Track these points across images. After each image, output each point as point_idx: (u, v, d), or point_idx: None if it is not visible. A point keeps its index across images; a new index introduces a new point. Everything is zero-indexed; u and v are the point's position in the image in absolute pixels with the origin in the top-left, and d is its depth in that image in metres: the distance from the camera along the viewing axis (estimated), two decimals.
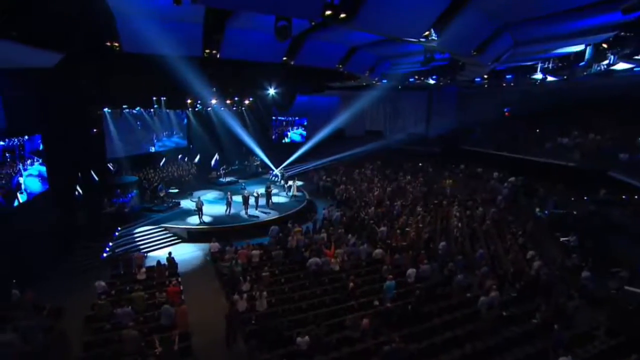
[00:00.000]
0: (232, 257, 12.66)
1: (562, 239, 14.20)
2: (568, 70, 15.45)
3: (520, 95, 25.02)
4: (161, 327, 9.20)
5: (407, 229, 16.20)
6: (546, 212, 16.83)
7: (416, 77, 24.84)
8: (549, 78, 17.25)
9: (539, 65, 17.19)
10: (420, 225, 16.56)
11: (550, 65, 16.34)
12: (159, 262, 12.30)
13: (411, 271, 11.68)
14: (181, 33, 9.86)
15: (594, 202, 16.21)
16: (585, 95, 20.27)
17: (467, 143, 27.94)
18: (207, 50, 11.14)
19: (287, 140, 30.06)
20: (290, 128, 30.62)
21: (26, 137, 11.87)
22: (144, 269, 12.09)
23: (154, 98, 17.81)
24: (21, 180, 12.03)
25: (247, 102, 24.23)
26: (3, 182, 11.18)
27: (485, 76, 22.04)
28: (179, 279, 12.00)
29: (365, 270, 12.79)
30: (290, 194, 21.23)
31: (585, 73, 14.67)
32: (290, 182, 21.81)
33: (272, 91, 21.62)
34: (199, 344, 9.09)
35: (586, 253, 12.74)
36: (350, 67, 15.13)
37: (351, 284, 10.74)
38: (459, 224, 16.19)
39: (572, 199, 17.94)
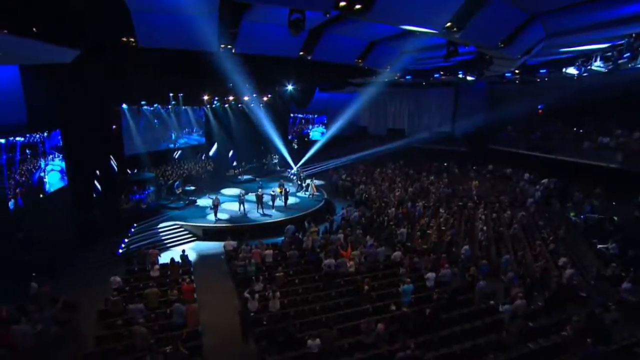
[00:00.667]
0: (246, 256, 12.80)
1: (599, 246, 13.51)
2: (610, 63, 14.64)
3: (556, 91, 23.99)
4: (172, 325, 9.40)
5: (428, 231, 16.02)
6: (582, 216, 16.06)
7: (441, 72, 24.36)
8: (589, 71, 16.38)
9: (577, 57, 16.39)
10: (443, 228, 16.26)
11: (589, 58, 15.52)
12: (172, 259, 12.59)
13: (430, 275, 11.45)
14: (195, 27, 9.98)
15: (638, 207, 15.32)
16: (630, 90, 19.15)
17: (496, 142, 27.12)
18: (223, 45, 11.29)
19: (308, 138, 30.13)
20: (310, 126, 30.73)
21: (46, 133, 12.42)
22: (157, 266, 12.38)
23: (171, 94, 18.25)
24: (43, 176, 12.61)
25: (265, 98, 24.45)
26: (23, 179, 11.73)
27: (517, 71, 21.28)
28: (192, 277, 12.28)
29: (382, 273, 12.64)
30: (308, 193, 21.26)
31: (630, 65, 13.84)
32: (308, 181, 21.84)
33: (290, 87, 21.68)
34: (209, 344, 9.24)
35: (628, 262, 12.03)
36: (370, 63, 14.95)
37: (366, 287, 10.61)
38: (484, 228, 15.72)
39: (614, 203, 17.03)
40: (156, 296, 10.30)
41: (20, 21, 7.26)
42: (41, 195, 12.43)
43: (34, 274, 11.03)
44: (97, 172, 16.12)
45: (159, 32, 10.05)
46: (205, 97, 20.02)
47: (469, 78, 20.56)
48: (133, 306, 9.42)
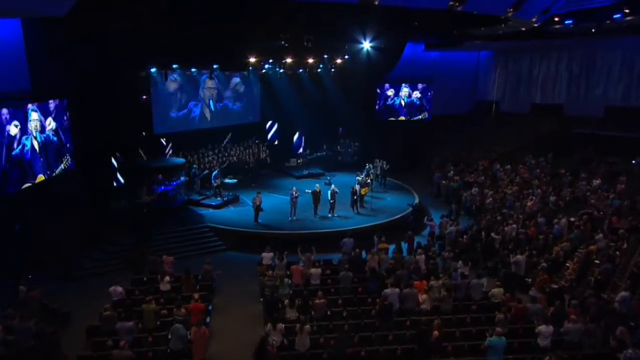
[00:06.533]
0: (280, 274, 13.41)
1: None
2: None
3: None
4: (171, 353, 10.38)
5: (567, 263, 14.97)
6: None
7: (626, 10, 21.75)
8: None
9: None
10: (597, 261, 14.85)
11: None
12: (187, 270, 13.76)
13: (544, 329, 10.61)
14: None
15: None
16: None
17: None
18: None
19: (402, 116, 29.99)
20: (407, 99, 30.45)
21: (51, 102, 14.65)
22: (168, 278, 13.67)
23: (208, 55, 19.73)
24: (44, 155, 14.89)
25: (339, 60, 24.79)
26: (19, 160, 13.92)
27: None
28: (211, 296, 13.34)
29: (473, 317, 12.11)
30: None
31: None
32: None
33: (366, 45, 21.60)
34: None
35: None
36: (472, 6, 14.23)
37: (435, 332, 10.33)
38: None
39: None
40: (154, 314, 11.44)
41: None
42: (41, 181, 14.68)
43: (29, 276, 13.13)
44: (117, 154, 18.32)
45: None
46: (252, 59, 20.93)
47: None
48: (120, 324, 10.60)
